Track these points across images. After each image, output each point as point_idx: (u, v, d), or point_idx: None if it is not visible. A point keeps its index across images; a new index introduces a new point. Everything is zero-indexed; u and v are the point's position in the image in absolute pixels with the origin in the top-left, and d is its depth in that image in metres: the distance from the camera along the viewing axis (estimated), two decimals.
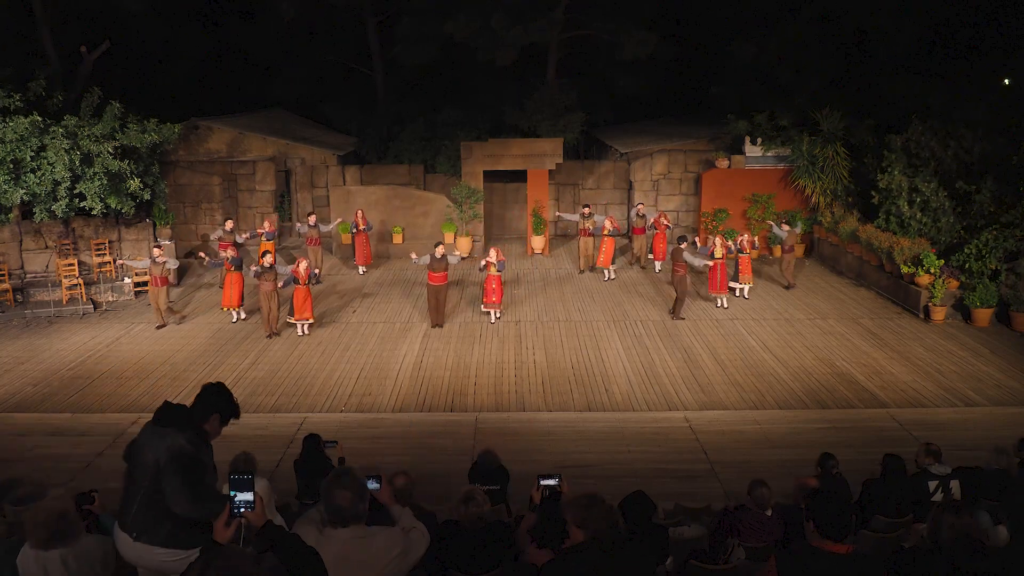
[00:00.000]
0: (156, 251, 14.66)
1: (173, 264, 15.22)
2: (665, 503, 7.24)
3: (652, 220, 18.08)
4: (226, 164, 20.89)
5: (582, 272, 18.05)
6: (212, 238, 17.76)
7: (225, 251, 15.25)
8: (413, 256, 14.83)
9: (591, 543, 3.59)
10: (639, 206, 18.61)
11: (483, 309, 15.00)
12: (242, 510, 3.21)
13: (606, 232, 17.32)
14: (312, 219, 17.68)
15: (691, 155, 20.97)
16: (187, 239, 20.06)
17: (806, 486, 6.49)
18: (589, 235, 17.68)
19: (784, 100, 19.56)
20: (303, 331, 14.19)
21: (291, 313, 14.21)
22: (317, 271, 14.76)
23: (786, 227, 17.22)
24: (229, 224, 17.35)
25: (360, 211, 18.02)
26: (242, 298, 14.92)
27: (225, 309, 15.11)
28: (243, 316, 15.09)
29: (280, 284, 14.03)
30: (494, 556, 4.80)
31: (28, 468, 8.89)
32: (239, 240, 17.82)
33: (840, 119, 18.46)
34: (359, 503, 3.49)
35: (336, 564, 3.38)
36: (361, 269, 18.40)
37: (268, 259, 13.99)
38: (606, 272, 17.69)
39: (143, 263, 15.18)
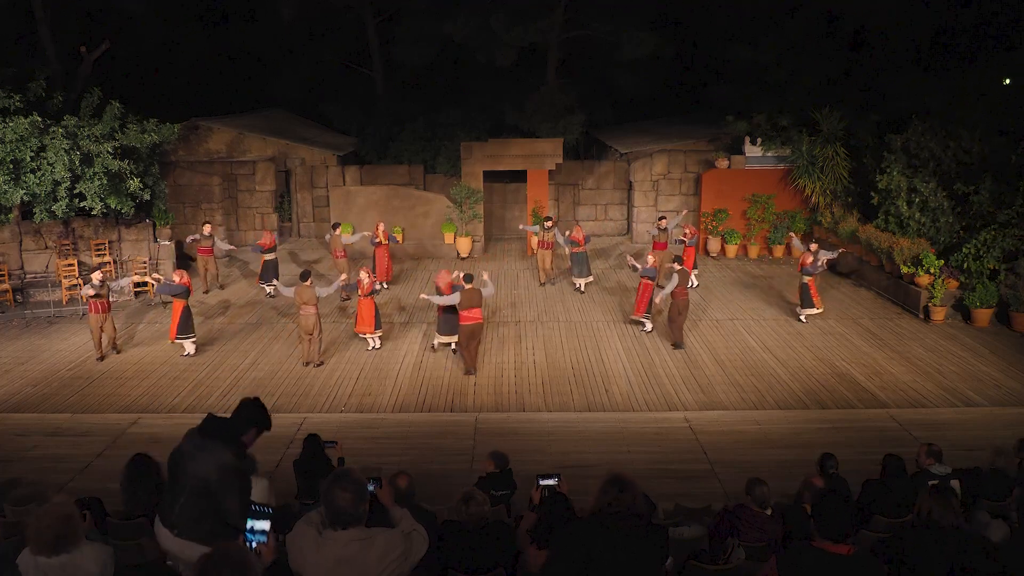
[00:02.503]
0: (97, 274, 12.95)
1: (118, 285, 14.24)
2: (665, 503, 7.24)
3: (682, 233, 16.70)
4: (226, 164, 20.89)
5: (542, 284, 17.44)
6: (187, 241, 16.86)
7: (210, 250, 14.28)
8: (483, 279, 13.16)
9: (593, 516, 3.63)
10: (661, 220, 17.21)
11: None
12: (254, 544, 3.28)
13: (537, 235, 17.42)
14: (338, 230, 16.77)
15: (691, 155, 20.96)
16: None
17: (812, 485, 6.48)
18: (548, 247, 17.19)
19: (784, 100, 19.54)
20: (376, 344, 13.53)
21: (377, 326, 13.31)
22: (385, 283, 14.33)
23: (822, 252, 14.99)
24: (207, 228, 16.55)
25: (380, 223, 16.94)
26: (190, 329, 13.13)
27: (172, 342, 13.22)
28: (191, 352, 13.22)
29: (343, 296, 13.27)
30: (494, 556, 4.80)
31: (28, 468, 8.91)
32: (222, 247, 16.90)
33: (840, 119, 18.46)
34: (359, 504, 3.48)
35: (336, 566, 3.38)
36: (379, 285, 17.01)
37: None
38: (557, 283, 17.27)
39: (118, 282, 14.29)
